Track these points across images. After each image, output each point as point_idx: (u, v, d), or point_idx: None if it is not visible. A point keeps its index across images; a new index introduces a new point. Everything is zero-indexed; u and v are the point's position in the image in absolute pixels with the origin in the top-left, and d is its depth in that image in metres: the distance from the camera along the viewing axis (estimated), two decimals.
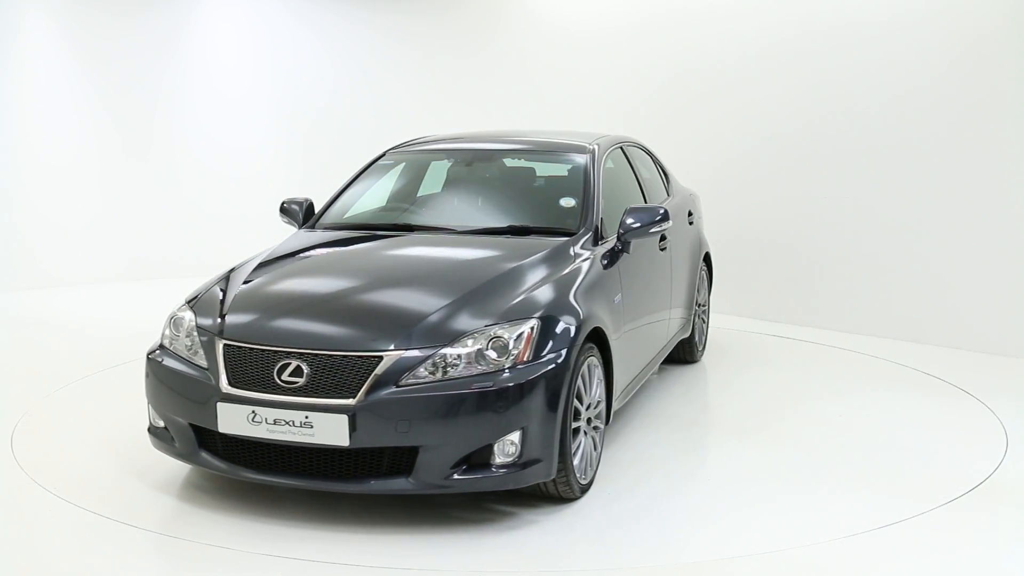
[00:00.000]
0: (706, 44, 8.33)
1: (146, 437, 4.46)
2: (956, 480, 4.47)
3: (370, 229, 5.13)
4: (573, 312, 4.12)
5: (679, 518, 4.11)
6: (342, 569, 3.61)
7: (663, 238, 5.54)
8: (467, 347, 3.82)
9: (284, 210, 5.47)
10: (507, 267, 4.34)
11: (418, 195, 5.60)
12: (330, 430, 3.73)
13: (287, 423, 3.77)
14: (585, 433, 4.21)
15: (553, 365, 3.87)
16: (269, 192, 10.40)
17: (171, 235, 10.06)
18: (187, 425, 4.07)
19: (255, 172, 10.66)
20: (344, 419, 3.70)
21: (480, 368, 3.79)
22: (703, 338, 6.72)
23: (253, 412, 3.83)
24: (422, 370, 3.77)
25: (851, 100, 7.46)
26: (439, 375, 3.77)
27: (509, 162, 5.71)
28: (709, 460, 4.91)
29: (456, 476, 3.77)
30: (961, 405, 5.66)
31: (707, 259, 6.79)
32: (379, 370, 3.77)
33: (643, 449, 4.93)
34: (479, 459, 3.79)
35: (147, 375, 4.30)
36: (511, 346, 3.84)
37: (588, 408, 4.22)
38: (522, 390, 3.76)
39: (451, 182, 5.59)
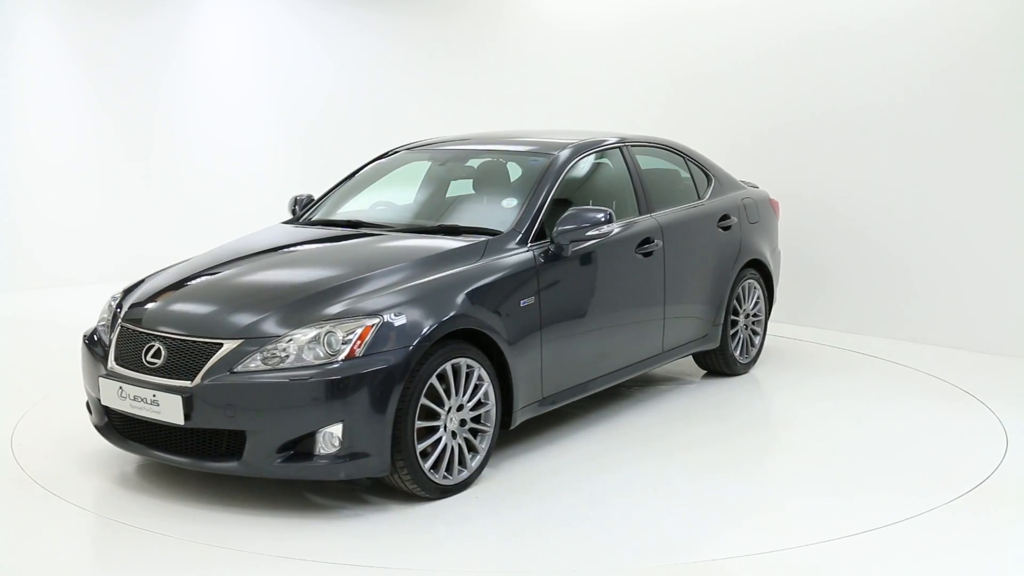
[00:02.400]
0: (710, 43, 8.33)
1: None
2: (956, 480, 4.47)
3: (328, 225, 5.35)
4: (431, 313, 4.17)
5: (679, 518, 4.12)
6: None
7: (647, 241, 5.37)
8: (300, 340, 3.98)
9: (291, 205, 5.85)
10: (386, 265, 4.44)
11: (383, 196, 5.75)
12: (171, 409, 4.02)
13: (142, 400, 4.13)
14: (455, 435, 4.25)
15: (384, 363, 3.95)
16: (268, 192, 10.40)
17: (171, 235, 10.06)
18: (96, 398, 4.44)
19: (255, 172, 10.67)
20: (180, 400, 3.97)
21: (308, 361, 3.94)
22: (753, 350, 6.36)
23: (120, 388, 4.21)
24: (256, 359, 3.97)
25: (848, 100, 7.46)
26: (269, 365, 3.94)
27: (482, 163, 5.66)
28: (706, 461, 4.90)
29: (280, 462, 3.95)
30: (961, 405, 5.66)
31: (758, 266, 6.36)
32: (217, 356, 4.01)
33: (644, 448, 4.94)
34: (304, 448, 3.95)
35: (81, 353, 4.67)
36: (342, 341, 3.96)
37: (459, 410, 4.26)
38: (342, 385, 3.89)
39: (425, 183, 5.72)
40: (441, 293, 4.29)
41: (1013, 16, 6.64)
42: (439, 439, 4.19)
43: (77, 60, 9.64)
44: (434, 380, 4.13)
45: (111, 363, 4.34)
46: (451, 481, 4.26)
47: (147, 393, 4.10)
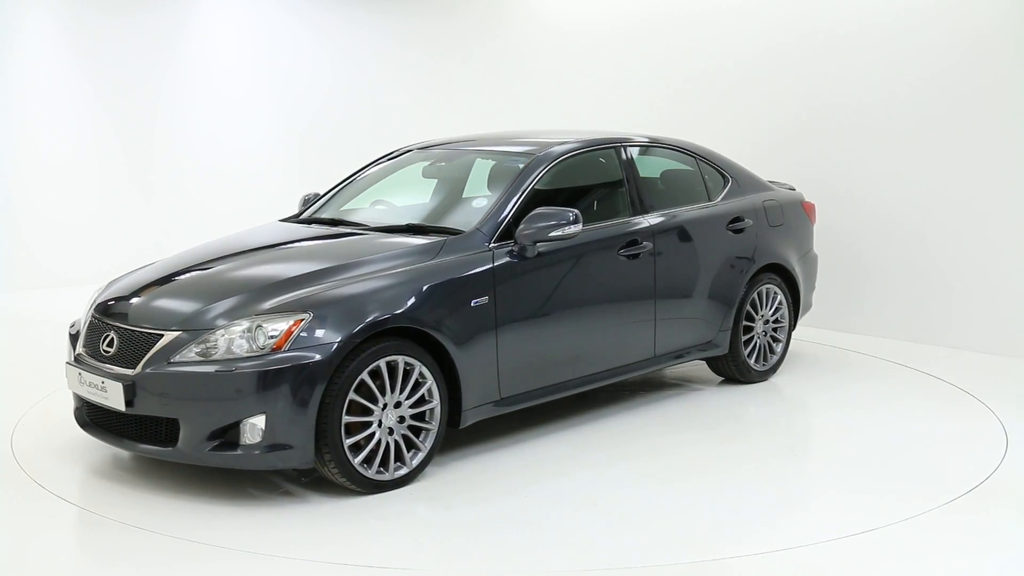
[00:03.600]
0: (712, 42, 8.32)
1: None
2: (956, 480, 4.47)
3: (314, 223, 5.46)
4: (364, 311, 4.23)
5: (678, 518, 4.12)
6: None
7: (633, 243, 5.29)
8: (231, 333, 4.12)
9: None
10: (338, 263, 4.52)
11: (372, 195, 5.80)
12: (115, 395, 4.23)
13: (95, 386, 4.35)
14: (391, 431, 4.30)
15: (307, 358, 4.05)
16: (268, 191, 10.42)
17: (171, 234, 10.05)
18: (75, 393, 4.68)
19: (254, 171, 10.67)
20: (121, 387, 4.17)
21: (237, 353, 4.08)
22: (773, 358, 6.15)
23: (80, 374, 4.46)
24: (192, 350, 4.13)
25: (844, 102, 7.46)
26: (203, 356, 4.11)
27: (475, 164, 5.65)
28: (707, 460, 4.89)
29: (210, 450, 4.11)
30: (961, 405, 5.66)
31: (780, 271, 6.13)
32: (158, 346, 4.20)
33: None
34: (231, 437, 4.09)
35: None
36: (269, 336, 4.08)
37: (397, 407, 4.31)
38: (264, 378, 4.01)
39: (416, 182, 5.76)
40: (379, 292, 4.35)
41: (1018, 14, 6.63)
42: (372, 434, 4.25)
43: (77, 60, 9.63)
44: (366, 376, 4.20)
45: (78, 351, 4.61)
46: (386, 477, 4.31)
47: (98, 380, 4.32)
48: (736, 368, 5.99)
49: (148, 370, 4.16)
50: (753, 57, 8.02)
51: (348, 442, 4.17)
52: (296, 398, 4.03)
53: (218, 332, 4.14)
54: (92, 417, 4.58)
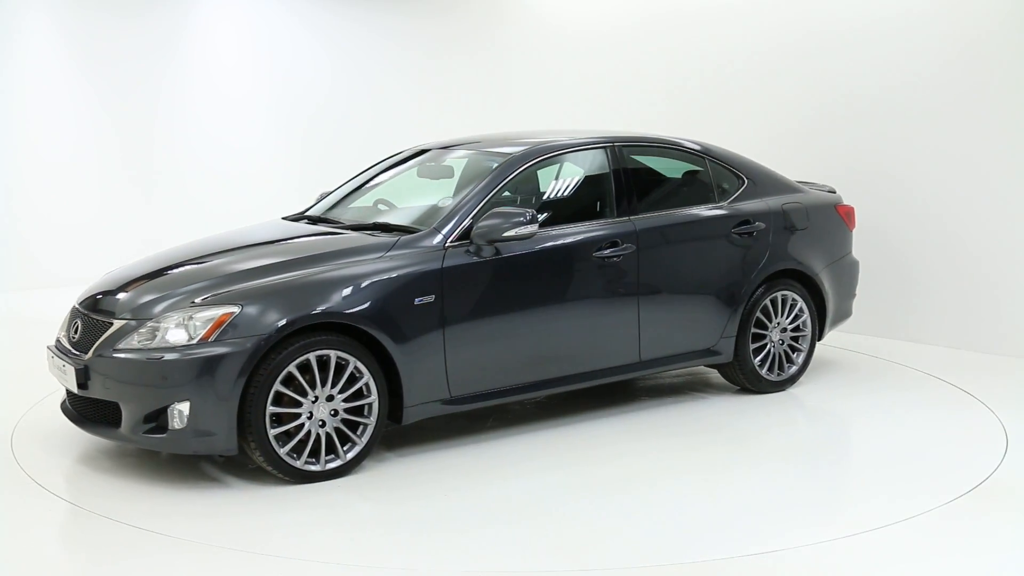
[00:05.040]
0: (713, 42, 8.33)
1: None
2: (956, 480, 4.47)
3: (309, 220, 5.58)
4: (294, 305, 4.35)
5: (677, 519, 4.12)
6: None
7: (612, 244, 5.17)
8: (168, 323, 4.33)
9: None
10: (285, 259, 4.67)
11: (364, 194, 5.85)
12: (71, 379, 4.50)
13: (59, 369, 4.63)
14: (323, 424, 4.40)
15: (231, 349, 4.22)
16: (268, 191, 10.42)
17: (171, 234, 10.04)
18: None
19: (254, 171, 10.67)
20: (73, 371, 4.44)
21: (170, 343, 4.28)
22: (791, 368, 5.88)
23: (52, 357, 4.74)
24: (135, 338, 4.34)
25: (845, 101, 7.46)
26: (141, 344, 4.32)
27: (458, 163, 5.67)
28: (707, 459, 4.90)
29: (144, 433, 4.31)
30: (961, 405, 5.66)
31: (801, 277, 5.86)
32: (107, 334, 4.44)
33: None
34: (161, 422, 4.29)
35: None
36: (199, 327, 4.27)
37: (330, 400, 4.40)
38: (188, 366, 4.21)
39: (405, 182, 5.81)
40: (313, 287, 4.45)
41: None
42: (302, 425, 4.37)
43: (77, 60, 9.64)
44: (293, 369, 4.31)
45: (58, 335, 4.90)
46: (316, 468, 4.41)
47: (60, 363, 4.61)
48: (745, 377, 5.76)
49: (97, 355, 4.41)
50: (764, 54, 8.01)
51: (274, 432, 4.30)
52: (218, 387, 4.21)
53: (156, 322, 4.35)
54: (73, 405, 4.75)
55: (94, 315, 4.62)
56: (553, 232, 5.09)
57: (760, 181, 5.92)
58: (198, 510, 4.18)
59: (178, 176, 10.29)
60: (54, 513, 4.22)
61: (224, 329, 4.25)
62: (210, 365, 4.21)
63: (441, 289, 4.69)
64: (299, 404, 4.36)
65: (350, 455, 4.49)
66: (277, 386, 4.29)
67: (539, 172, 5.42)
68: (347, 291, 4.48)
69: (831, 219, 6.15)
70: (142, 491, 4.38)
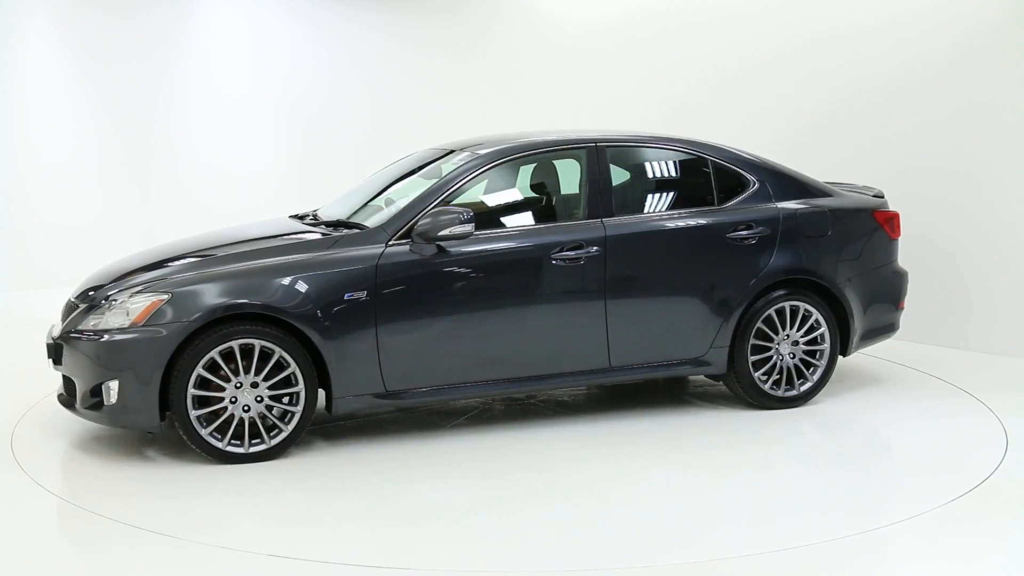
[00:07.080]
0: (714, 42, 8.33)
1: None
2: (956, 480, 4.46)
3: (298, 219, 5.71)
4: (219, 294, 4.62)
5: (678, 519, 4.12)
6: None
7: (576, 247, 5.06)
8: (112, 307, 4.69)
9: None
10: (236, 251, 4.93)
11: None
12: (48, 354, 4.92)
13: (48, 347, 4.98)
14: (246, 408, 4.65)
15: (155, 334, 4.56)
16: (268, 191, 10.42)
17: (171, 234, 10.04)
18: None
19: (254, 171, 10.68)
20: (47, 347, 4.91)
21: (112, 325, 4.63)
22: (804, 384, 5.51)
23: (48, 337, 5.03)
24: (89, 320, 4.72)
25: (844, 100, 7.46)
26: (92, 326, 4.69)
27: (445, 166, 5.52)
28: (708, 462, 4.90)
29: (86, 408, 4.68)
30: (961, 405, 5.66)
31: (816, 287, 5.48)
32: (73, 315, 4.85)
33: (648, 453, 4.94)
34: (100, 398, 4.64)
35: None
36: (132, 312, 4.61)
37: (256, 387, 4.64)
38: (116, 347, 4.58)
39: (393, 183, 5.74)
40: (242, 278, 4.70)
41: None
42: (224, 408, 4.64)
43: (77, 61, 9.64)
44: (215, 355, 4.58)
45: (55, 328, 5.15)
46: (240, 450, 4.66)
47: (46, 341, 5.00)
48: (744, 391, 5.45)
49: (62, 334, 4.80)
50: (765, 54, 8.00)
51: (197, 413, 4.59)
52: (141, 368, 4.55)
53: (105, 305, 4.72)
54: (65, 392, 4.96)
55: (73, 299, 5.01)
56: (507, 233, 5.12)
57: (774, 184, 5.57)
58: (200, 510, 4.18)
59: (178, 176, 10.29)
60: (54, 513, 4.22)
61: (154, 315, 4.57)
62: (135, 346, 4.55)
63: (375, 285, 4.80)
64: (223, 388, 4.62)
65: (274, 441, 4.70)
66: (199, 370, 4.57)
67: (519, 173, 5.42)
68: (277, 284, 4.71)
69: (865, 225, 5.71)
70: (142, 491, 4.39)
